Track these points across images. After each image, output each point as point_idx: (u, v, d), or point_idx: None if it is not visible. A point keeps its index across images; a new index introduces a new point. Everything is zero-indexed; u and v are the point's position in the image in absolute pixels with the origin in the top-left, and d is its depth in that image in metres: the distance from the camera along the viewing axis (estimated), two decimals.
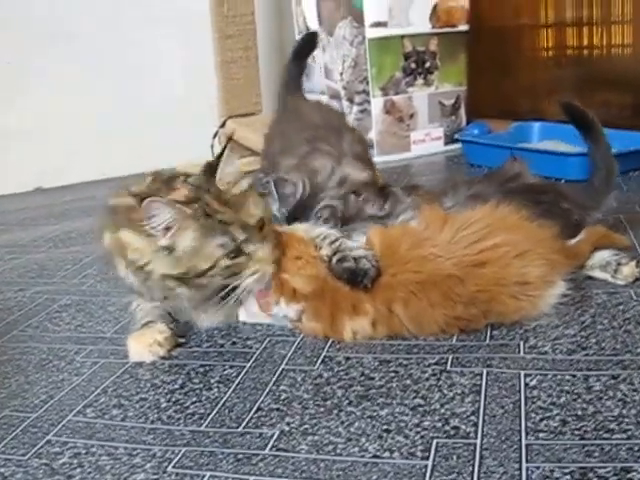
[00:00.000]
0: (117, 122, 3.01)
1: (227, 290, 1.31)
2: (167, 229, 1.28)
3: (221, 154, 1.35)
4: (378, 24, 2.88)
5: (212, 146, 2.95)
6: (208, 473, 1.00)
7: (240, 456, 1.03)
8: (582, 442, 0.99)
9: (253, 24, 3.01)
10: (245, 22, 2.98)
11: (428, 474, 0.96)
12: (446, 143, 3.09)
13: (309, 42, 2.37)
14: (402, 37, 2.94)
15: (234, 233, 1.29)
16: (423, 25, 2.97)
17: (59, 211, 2.70)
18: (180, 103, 2.97)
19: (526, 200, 1.50)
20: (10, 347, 1.46)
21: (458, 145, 2.98)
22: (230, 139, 1.40)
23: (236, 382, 1.25)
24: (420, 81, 3.01)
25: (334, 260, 1.37)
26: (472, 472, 0.95)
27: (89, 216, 2.37)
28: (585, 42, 3.02)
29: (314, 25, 3.08)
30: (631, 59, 2.88)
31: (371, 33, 2.88)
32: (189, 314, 1.43)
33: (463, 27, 3.07)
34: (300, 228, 1.49)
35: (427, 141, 3.06)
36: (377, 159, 2.88)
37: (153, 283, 1.35)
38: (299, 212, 1.60)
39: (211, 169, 1.34)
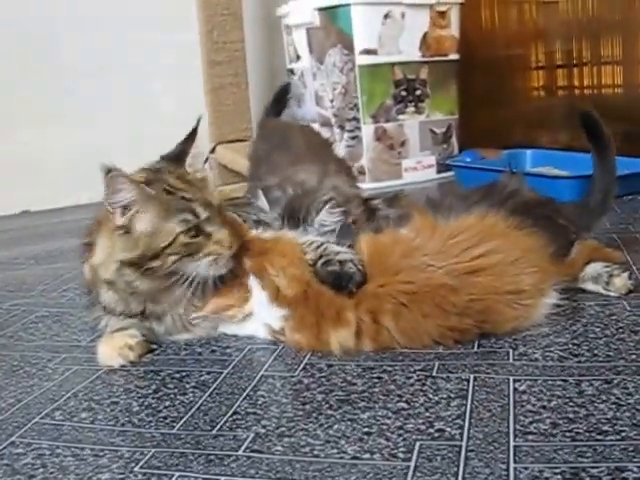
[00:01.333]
0: (106, 149, 2.98)
1: (180, 276, 1.27)
2: (125, 208, 1.25)
3: (187, 140, 1.35)
4: (368, 51, 2.87)
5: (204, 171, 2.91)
6: (177, 473, 0.94)
7: (212, 457, 0.98)
8: (574, 443, 0.94)
9: (243, 51, 2.99)
10: (235, 49, 2.96)
11: (410, 474, 0.90)
12: (438, 171, 3.06)
13: (284, 90, 2.48)
14: (392, 65, 2.93)
15: (196, 210, 1.26)
16: (413, 53, 2.96)
17: (43, 232, 2.66)
18: (170, 129, 2.92)
19: (526, 217, 1.46)
20: None
21: (450, 173, 2.96)
22: (196, 128, 1.37)
23: (212, 387, 1.20)
24: (411, 109, 2.99)
25: (319, 263, 1.32)
26: (457, 472, 0.90)
27: (72, 237, 2.32)
28: (576, 79, 3.02)
29: (304, 53, 3.07)
30: (622, 96, 2.87)
31: (361, 60, 2.87)
32: (166, 331, 1.38)
33: (454, 56, 3.06)
34: (288, 235, 1.44)
35: (419, 169, 3.04)
36: (368, 185, 2.86)
37: (123, 288, 1.31)
38: (292, 211, 1.54)
39: (176, 156, 1.34)
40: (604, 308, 1.39)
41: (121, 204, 1.25)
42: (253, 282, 1.33)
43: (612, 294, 1.45)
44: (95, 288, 1.38)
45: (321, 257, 1.33)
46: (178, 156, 1.34)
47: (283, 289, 1.30)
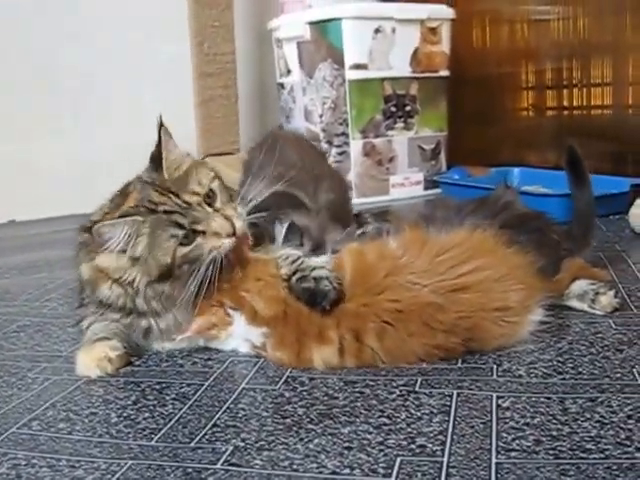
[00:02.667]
0: (96, 160, 2.98)
1: (198, 271, 1.26)
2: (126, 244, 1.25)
3: (159, 143, 1.30)
4: (358, 66, 2.87)
5: None
6: None
7: (189, 470, 0.96)
8: (557, 461, 0.93)
9: (233, 63, 2.99)
10: (225, 61, 2.96)
11: None
12: (426, 188, 3.06)
13: None
14: (382, 80, 2.93)
15: (178, 220, 1.25)
16: (404, 69, 2.96)
17: (29, 242, 2.64)
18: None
19: (518, 231, 1.46)
20: None
21: (438, 190, 2.96)
22: (161, 125, 1.32)
23: (193, 399, 1.18)
24: (400, 125, 2.99)
25: (293, 279, 1.30)
26: None
27: (58, 247, 2.31)
28: (565, 100, 3.03)
29: (295, 67, 3.07)
30: (610, 117, 2.89)
31: (351, 75, 2.87)
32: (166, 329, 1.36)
33: (444, 72, 3.07)
34: (264, 256, 1.42)
35: (406, 185, 3.03)
36: (355, 201, 2.85)
37: (145, 295, 1.30)
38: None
39: (155, 160, 1.31)
40: (589, 326, 1.38)
41: (122, 243, 1.25)
42: (231, 312, 1.32)
43: (598, 312, 1.44)
44: (93, 285, 1.35)
45: (296, 272, 1.31)
46: (156, 162, 1.31)
47: (261, 311, 1.28)
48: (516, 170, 2.83)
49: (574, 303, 1.47)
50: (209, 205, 1.29)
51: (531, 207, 1.62)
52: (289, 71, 3.14)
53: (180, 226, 1.25)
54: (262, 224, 1.43)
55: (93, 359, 1.28)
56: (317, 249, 1.51)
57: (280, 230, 1.50)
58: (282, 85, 3.22)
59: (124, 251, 1.26)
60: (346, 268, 1.33)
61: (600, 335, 1.34)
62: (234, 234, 1.27)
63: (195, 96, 2.96)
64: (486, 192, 2.31)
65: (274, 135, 2.04)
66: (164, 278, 1.27)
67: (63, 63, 3.00)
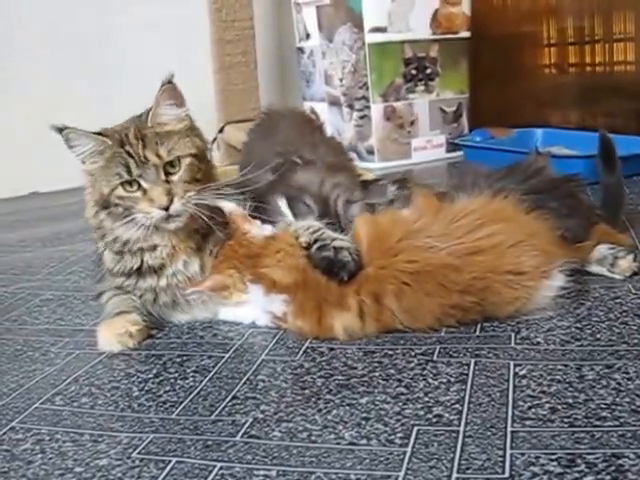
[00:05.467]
0: None
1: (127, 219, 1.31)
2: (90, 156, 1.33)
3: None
4: (378, 29, 2.84)
5: (210, 151, 2.90)
6: (174, 459, 0.95)
7: (210, 442, 0.98)
8: (571, 429, 0.93)
9: (252, 29, 2.97)
10: (244, 27, 2.94)
11: (406, 460, 0.90)
12: (448, 150, 3.04)
13: None
14: (402, 43, 2.90)
15: (130, 166, 1.28)
16: (423, 31, 2.93)
17: (51, 214, 2.66)
18: None
19: (549, 197, 1.45)
20: None
21: (460, 152, 2.93)
22: (169, 82, 1.35)
23: (213, 372, 1.20)
24: (421, 88, 2.97)
25: (313, 248, 1.31)
26: (453, 459, 0.89)
27: (79, 219, 2.32)
28: (588, 56, 2.99)
29: (314, 31, 3.05)
30: (634, 73, 2.84)
31: (371, 38, 2.84)
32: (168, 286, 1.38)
33: (464, 34, 3.02)
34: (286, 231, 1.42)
35: (428, 148, 3.01)
36: (377, 165, 2.85)
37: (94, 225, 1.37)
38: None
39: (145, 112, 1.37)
40: (609, 291, 1.38)
41: (84, 155, 1.32)
42: (250, 285, 1.33)
43: (617, 276, 1.43)
44: (100, 255, 1.42)
45: (316, 241, 1.32)
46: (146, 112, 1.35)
47: (280, 278, 1.29)
48: (538, 131, 2.80)
49: (594, 268, 1.46)
50: (166, 173, 1.30)
51: (562, 172, 1.61)
52: (308, 35, 3.12)
53: (129, 172, 1.28)
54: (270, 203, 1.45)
55: (114, 334, 1.30)
56: (323, 206, 1.52)
57: (282, 204, 1.50)
58: (302, 49, 3.20)
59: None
60: (361, 237, 1.34)
61: (619, 300, 1.33)
62: (166, 210, 1.28)
63: (214, 63, 2.95)
64: (507, 154, 2.33)
65: (269, 114, 2.04)
66: (103, 207, 1.32)
67: (82, 32, 3.00)
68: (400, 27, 2.88)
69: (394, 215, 1.40)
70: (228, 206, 1.40)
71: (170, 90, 1.34)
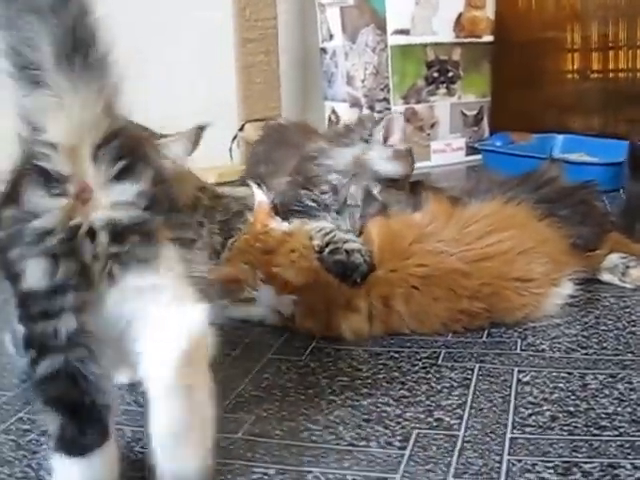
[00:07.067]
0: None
1: None
2: None
3: None
4: (401, 32, 2.85)
5: (230, 150, 2.92)
6: None
7: None
8: (570, 437, 0.94)
9: (275, 28, 2.98)
10: (267, 26, 2.95)
11: (403, 463, 0.91)
12: (467, 154, 3.03)
13: None
14: (425, 45, 2.90)
15: None
16: (446, 34, 2.92)
17: None
18: (200, 106, 2.94)
19: (560, 206, 1.45)
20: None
21: (479, 156, 2.93)
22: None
23: (219, 369, 1.21)
24: (442, 90, 2.96)
25: (326, 251, 1.32)
26: (449, 463, 0.90)
27: None
28: (611, 62, 2.98)
29: (337, 32, 3.06)
30: None
31: (393, 40, 2.85)
32: None
33: (488, 38, 3.02)
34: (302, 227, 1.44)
35: (448, 151, 3.01)
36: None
37: None
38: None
39: None
40: (618, 300, 1.38)
41: None
42: (261, 283, 1.34)
43: (628, 285, 1.44)
44: None
45: (328, 244, 1.32)
46: None
47: (291, 279, 1.30)
48: (559, 137, 2.79)
49: (605, 276, 1.47)
50: None
51: (576, 180, 1.61)
52: (331, 36, 3.12)
53: None
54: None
55: None
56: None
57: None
58: (324, 50, 3.20)
59: None
60: (373, 238, 1.35)
61: (628, 310, 1.33)
62: None
63: (236, 62, 2.96)
64: (526, 159, 2.32)
65: (273, 127, 2.08)
66: None
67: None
68: (423, 30, 2.88)
69: (406, 218, 1.41)
70: (259, 196, 1.43)
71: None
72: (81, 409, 0.77)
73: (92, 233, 0.74)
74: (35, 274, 0.72)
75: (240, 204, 1.46)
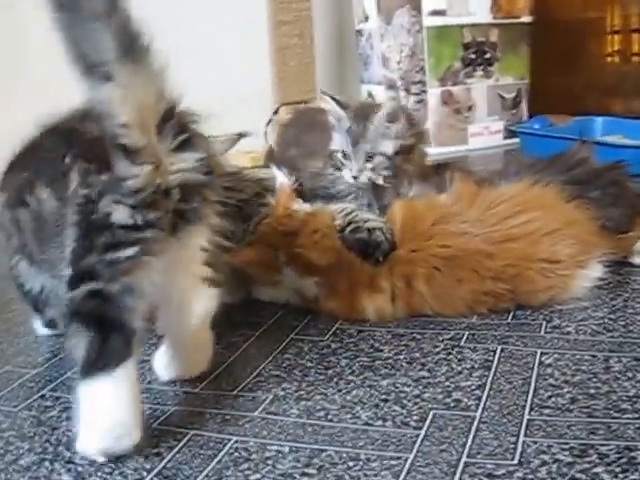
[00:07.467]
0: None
1: None
2: None
3: None
4: (437, 12, 2.82)
5: (265, 133, 2.92)
6: (192, 432, 0.97)
7: (228, 417, 1.00)
8: (588, 420, 0.92)
9: (309, 10, 2.97)
10: (301, 8, 2.94)
11: (418, 443, 0.90)
12: (505, 137, 3.00)
13: None
14: (461, 27, 2.87)
15: None
16: (484, 15, 2.89)
17: None
18: (234, 89, 2.95)
19: (591, 187, 1.43)
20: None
21: (518, 139, 2.89)
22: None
23: (241, 349, 1.21)
24: (479, 72, 2.93)
25: (347, 230, 1.32)
26: (464, 443, 0.89)
27: None
28: None
29: (373, 13, 3.03)
30: None
31: (429, 22, 2.82)
32: None
33: (526, 18, 2.97)
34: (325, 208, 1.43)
35: (485, 134, 2.97)
36: (432, 150, 2.81)
37: None
38: None
39: None
40: None
41: None
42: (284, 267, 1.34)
43: None
44: None
45: (350, 224, 1.32)
46: None
47: (314, 260, 1.30)
48: (599, 119, 2.73)
49: (637, 259, 1.44)
50: None
51: (607, 161, 1.58)
52: (367, 17, 3.10)
53: None
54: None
55: None
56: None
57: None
58: (360, 32, 3.18)
59: None
60: (396, 218, 1.34)
61: None
62: None
63: (270, 44, 2.95)
64: (561, 142, 2.28)
65: (302, 111, 2.07)
66: None
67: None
68: (460, 11, 2.85)
69: (431, 199, 1.40)
70: (281, 178, 1.43)
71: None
72: (109, 326, 0.90)
73: (167, 192, 0.91)
74: (123, 215, 0.89)
75: (260, 186, 1.46)
